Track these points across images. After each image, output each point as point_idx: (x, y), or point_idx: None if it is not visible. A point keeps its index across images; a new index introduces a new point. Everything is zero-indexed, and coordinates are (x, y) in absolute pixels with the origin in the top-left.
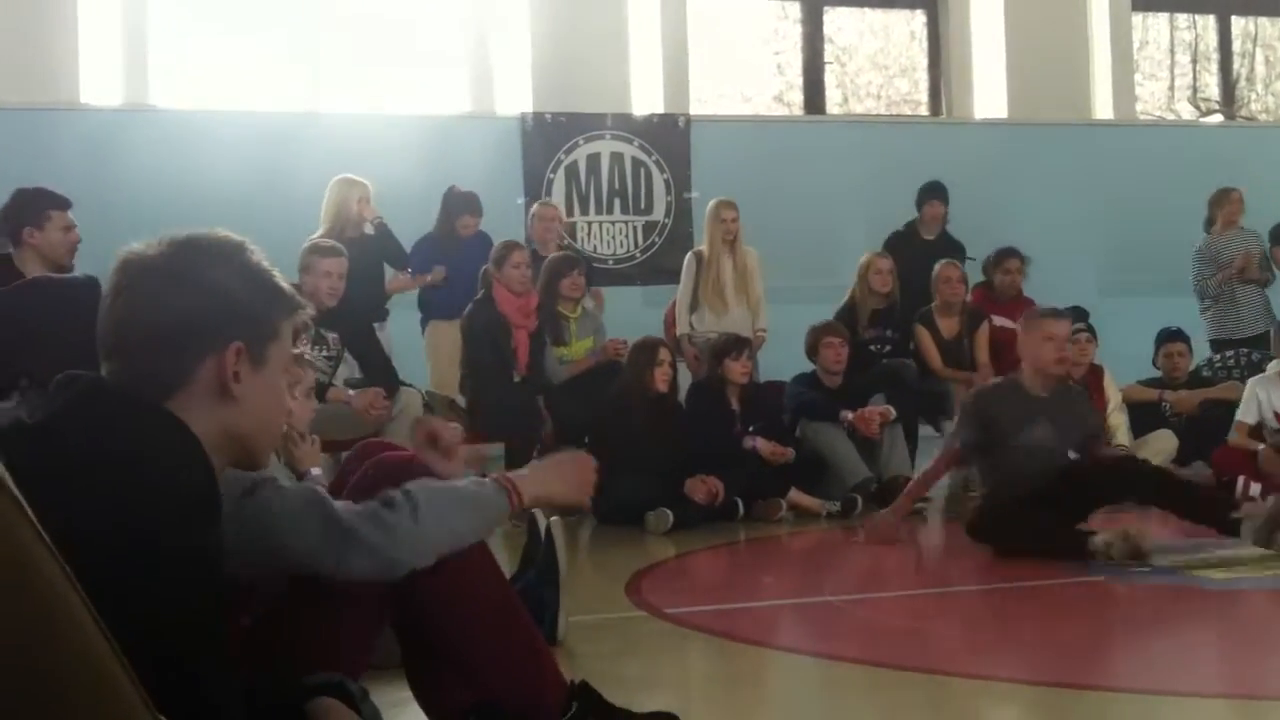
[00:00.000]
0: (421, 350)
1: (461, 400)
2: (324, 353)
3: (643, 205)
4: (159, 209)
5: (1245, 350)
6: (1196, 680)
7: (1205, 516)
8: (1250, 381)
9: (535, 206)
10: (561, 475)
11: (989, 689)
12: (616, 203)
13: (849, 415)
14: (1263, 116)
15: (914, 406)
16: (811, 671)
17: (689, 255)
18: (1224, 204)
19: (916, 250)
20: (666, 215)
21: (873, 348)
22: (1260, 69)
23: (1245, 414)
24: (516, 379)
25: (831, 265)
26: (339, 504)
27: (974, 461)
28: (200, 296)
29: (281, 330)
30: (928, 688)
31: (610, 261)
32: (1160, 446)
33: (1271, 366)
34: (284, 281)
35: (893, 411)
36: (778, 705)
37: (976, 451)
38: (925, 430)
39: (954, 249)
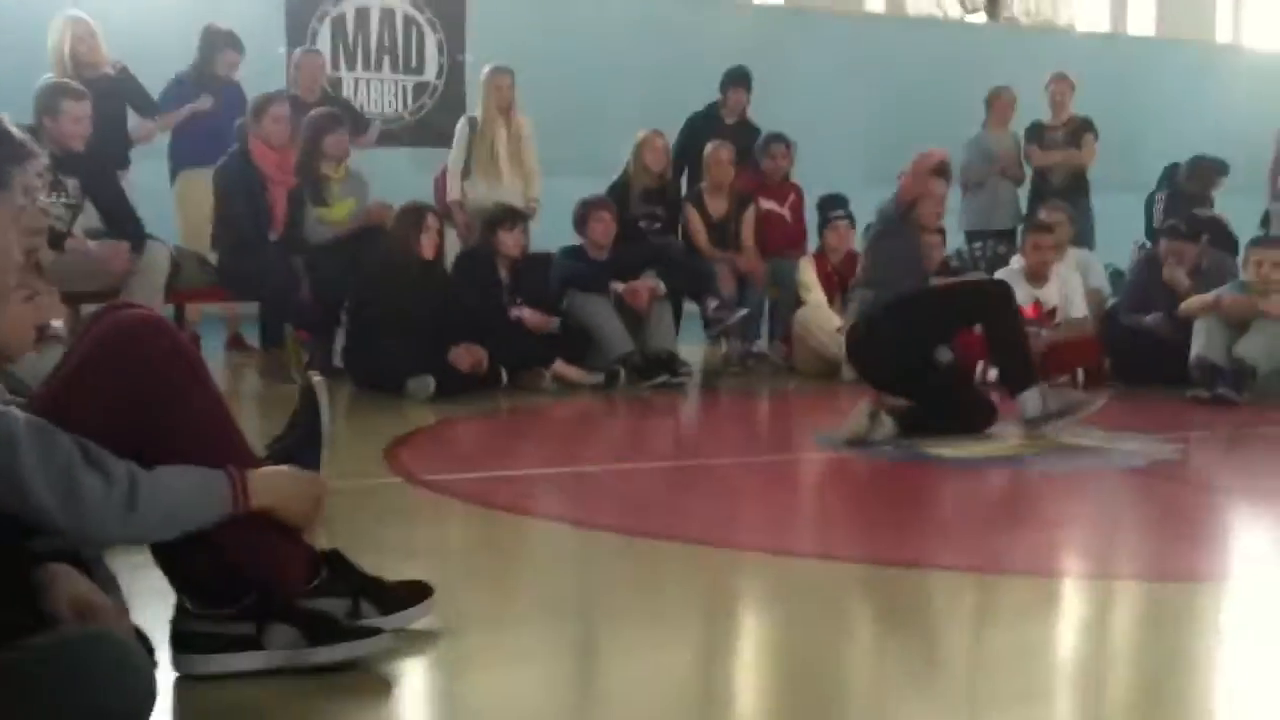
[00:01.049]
0: (168, 202)
1: (212, 258)
2: (62, 199)
3: (413, 64)
4: None
5: (993, 242)
6: (914, 551)
7: (1007, 376)
8: (997, 274)
9: (298, 54)
10: (297, 492)
11: (732, 557)
12: (386, 60)
13: (619, 287)
14: (1024, 19)
15: (680, 284)
16: (568, 539)
17: (462, 120)
18: (996, 102)
19: (717, 133)
20: (438, 76)
21: (642, 224)
22: None
23: None
24: (273, 238)
25: (604, 139)
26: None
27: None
28: None
29: (9, 179)
30: (680, 556)
31: (378, 121)
32: None
33: (1014, 261)
34: (13, 126)
35: (662, 286)
36: (534, 572)
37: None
38: (689, 307)
39: (753, 135)
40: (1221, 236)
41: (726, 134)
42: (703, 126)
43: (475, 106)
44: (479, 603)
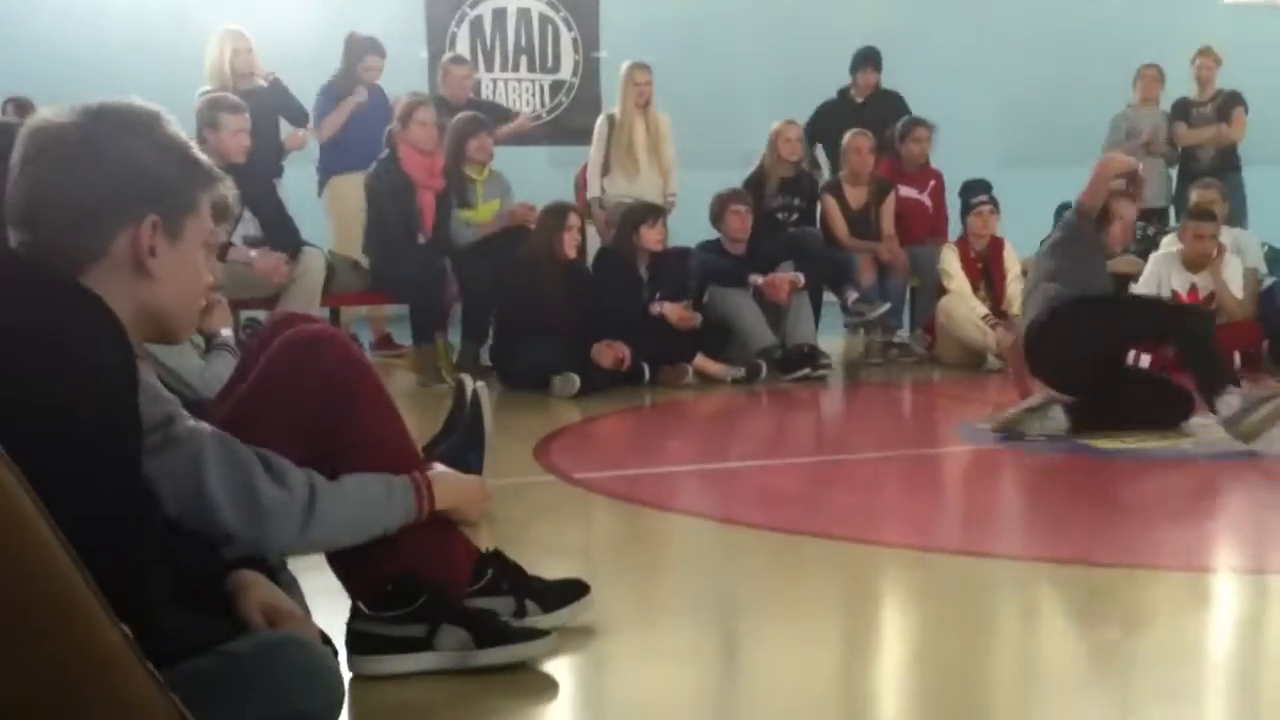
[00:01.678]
0: (318, 208)
1: (364, 261)
2: None
3: (550, 63)
4: None
5: (1143, 224)
6: (1070, 548)
7: (1201, 384)
8: (1152, 257)
9: (448, 63)
10: (468, 495)
11: (878, 554)
12: (523, 60)
13: (759, 280)
14: None
15: (819, 275)
16: (714, 536)
17: (600, 118)
18: (1141, 79)
19: (851, 118)
20: (574, 74)
21: (779, 215)
22: None
23: (1145, 290)
24: (421, 241)
25: (741, 131)
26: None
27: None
28: (114, 167)
29: (199, 204)
30: (824, 550)
31: (527, 111)
32: None
33: (1166, 242)
34: (201, 154)
35: (802, 278)
36: (681, 569)
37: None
38: (828, 298)
39: (892, 106)
40: None
41: (859, 116)
42: (833, 111)
43: (611, 103)
44: (629, 600)
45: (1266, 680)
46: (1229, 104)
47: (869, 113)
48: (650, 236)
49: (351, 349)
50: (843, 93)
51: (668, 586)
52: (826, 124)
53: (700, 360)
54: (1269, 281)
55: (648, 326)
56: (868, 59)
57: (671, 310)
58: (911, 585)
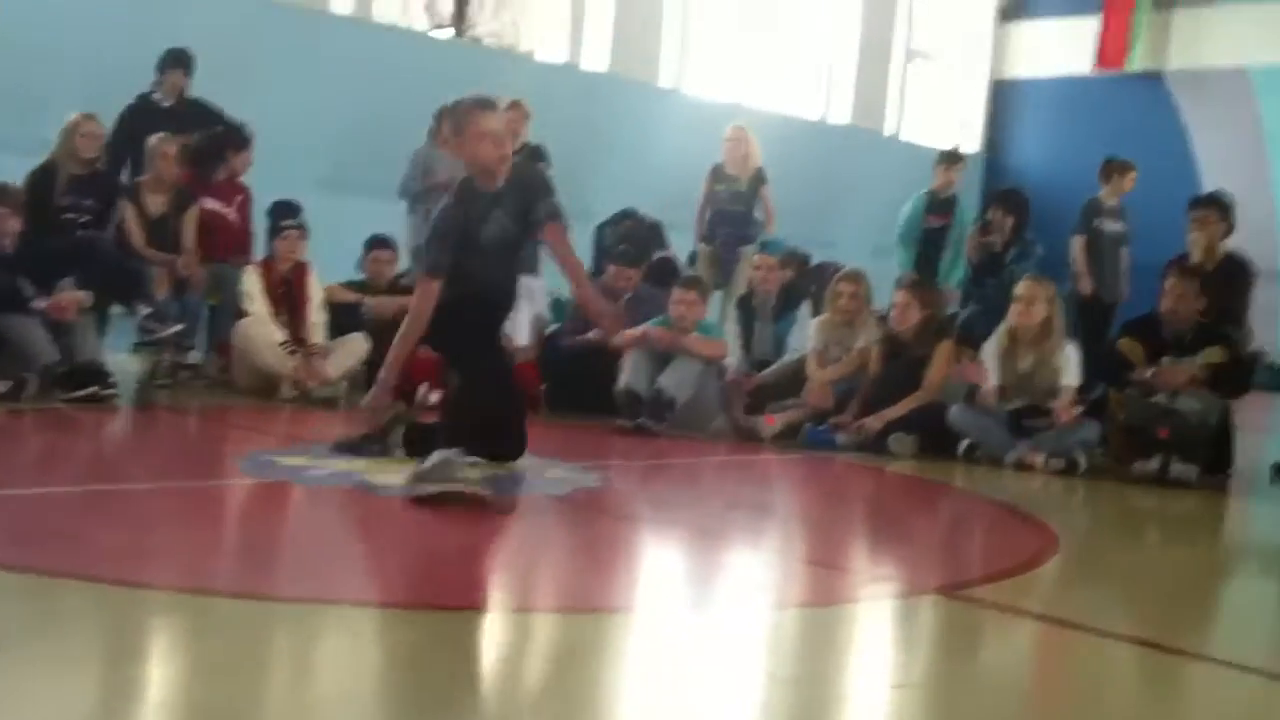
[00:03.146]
0: None
1: None
2: None
3: None
4: None
5: None
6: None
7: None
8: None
9: None
10: None
11: (144, 597)
12: None
13: (43, 304)
14: (488, 41)
15: (109, 286)
16: None
17: None
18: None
19: (157, 120)
20: None
21: (69, 216)
22: None
23: None
24: None
25: (32, 119)
26: None
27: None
28: None
29: None
30: (85, 594)
31: None
32: (353, 349)
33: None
34: None
35: (90, 298)
36: None
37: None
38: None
39: (206, 116)
40: (665, 273)
41: (168, 119)
42: (140, 113)
43: None
44: None
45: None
46: (530, 158)
47: (176, 118)
48: None
49: None
50: (144, 96)
51: None
52: (134, 126)
53: None
54: (553, 327)
55: None
56: (177, 61)
57: None
58: (179, 630)
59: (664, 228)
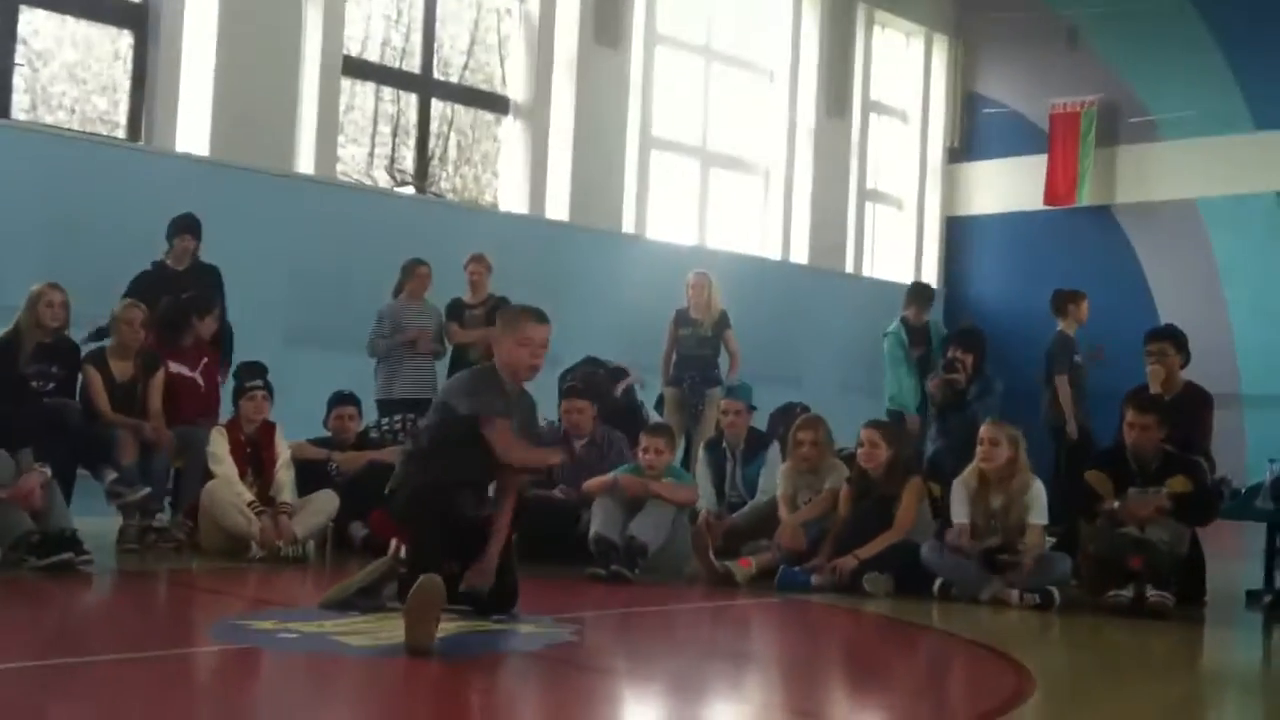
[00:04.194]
0: None
1: None
2: None
3: None
4: None
5: (411, 415)
6: None
7: None
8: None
9: None
10: None
11: None
12: None
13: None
14: (450, 195)
15: (75, 452)
16: None
17: None
18: (412, 275)
19: (169, 285)
20: None
21: (36, 384)
22: (453, 151)
23: None
24: None
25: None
26: None
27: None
28: None
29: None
30: None
31: None
32: (321, 506)
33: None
34: None
35: (48, 473)
36: None
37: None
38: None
39: (217, 280)
40: (629, 420)
41: (180, 283)
42: (153, 278)
43: None
44: None
45: None
46: (495, 308)
47: (189, 282)
48: None
49: None
50: (158, 263)
51: None
52: (145, 292)
53: None
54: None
55: None
56: (186, 226)
57: None
58: None
59: (629, 371)
